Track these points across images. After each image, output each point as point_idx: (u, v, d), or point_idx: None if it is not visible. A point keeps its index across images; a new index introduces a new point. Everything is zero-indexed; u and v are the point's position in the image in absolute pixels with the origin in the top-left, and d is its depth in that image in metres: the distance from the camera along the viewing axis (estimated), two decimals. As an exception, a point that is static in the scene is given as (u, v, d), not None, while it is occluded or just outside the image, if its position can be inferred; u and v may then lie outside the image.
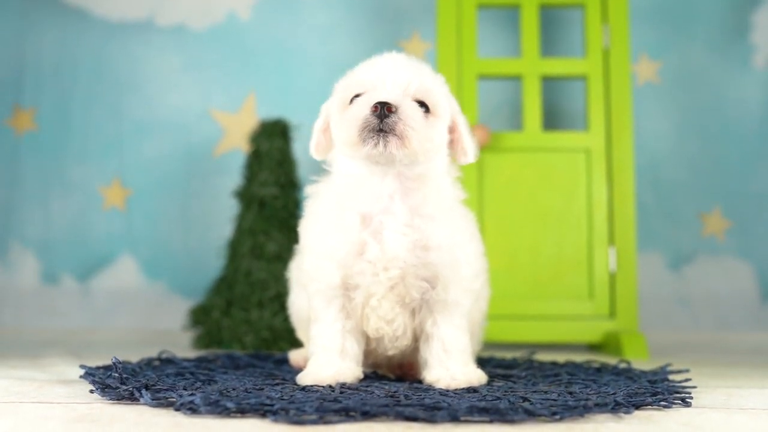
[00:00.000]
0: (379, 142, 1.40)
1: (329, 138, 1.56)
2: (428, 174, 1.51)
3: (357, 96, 1.46)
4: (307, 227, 1.57)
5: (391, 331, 1.53)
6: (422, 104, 1.45)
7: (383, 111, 1.38)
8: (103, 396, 1.36)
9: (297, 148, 2.82)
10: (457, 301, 1.52)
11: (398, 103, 1.41)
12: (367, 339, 1.57)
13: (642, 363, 2.09)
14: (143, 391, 1.32)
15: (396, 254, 1.46)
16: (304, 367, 1.56)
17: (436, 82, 1.51)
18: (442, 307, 1.51)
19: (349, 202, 1.51)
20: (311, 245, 1.54)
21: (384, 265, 1.47)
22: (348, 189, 1.51)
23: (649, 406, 1.35)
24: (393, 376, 1.71)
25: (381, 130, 1.39)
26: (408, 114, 1.40)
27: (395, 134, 1.39)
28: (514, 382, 1.61)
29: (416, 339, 1.57)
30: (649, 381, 1.61)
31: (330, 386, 1.43)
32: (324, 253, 1.50)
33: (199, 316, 2.62)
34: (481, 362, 1.80)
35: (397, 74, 1.45)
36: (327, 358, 1.51)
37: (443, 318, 1.52)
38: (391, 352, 1.60)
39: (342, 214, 1.50)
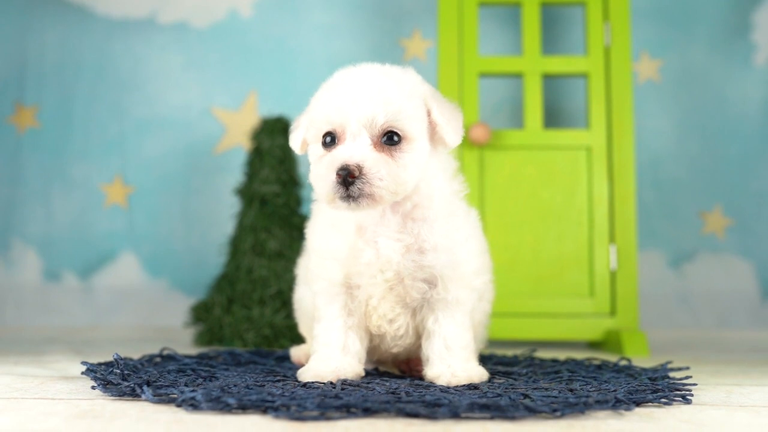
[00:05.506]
0: (350, 204, 1.39)
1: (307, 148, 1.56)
2: (417, 186, 1.49)
3: (328, 134, 1.45)
4: (312, 230, 1.59)
5: (393, 330, 1.55)
6: (393, 134, 1.41)
7: (347, 179, 1.36)
8: (104, 392, 1.37)
9: (298, 146, 2.82)
10: (458, 299, 1.52)
11: (361, 162, 1.37)
12: (371, 336, 1.59)
13: (642, 360, 2.10)
14: (145, 388, 1.32)
15: (389, 257, 1.48)
16: (306, 363, 1.57)
17: (403, 97, 1.42)
18: (444, 305, 1.52)
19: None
20: (315, 247, 1.56)
21: (379, 268, 1.48)
22: None
23: (650, 403, 1.35)
24: (398, 372, 1.72)
25: (350, 197, 1.38)
26: (372, 174, 1.37)
27: (364, 196, 1.38)
28: (515, 379, 1.61)
29: (420, 336, 1.58)
30: (649, 378, 1.62)
31: (331, 383, 1.44)
32: (327, 254, 1.52)
33: (201, 313, 2.63)
34: (482, 359, 1.80)
35: (360, 110, 1.40)
36: (328, 354, 1.52)
37: (445, 315, 1.53)
38: (395, 350, 1.61)
39: (340, 223, 1.52)
